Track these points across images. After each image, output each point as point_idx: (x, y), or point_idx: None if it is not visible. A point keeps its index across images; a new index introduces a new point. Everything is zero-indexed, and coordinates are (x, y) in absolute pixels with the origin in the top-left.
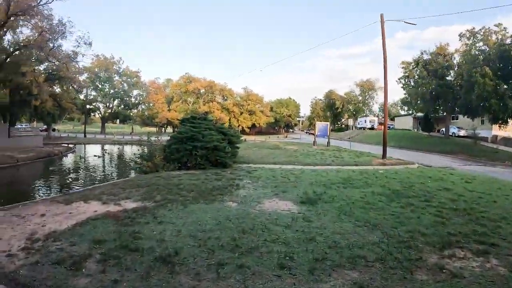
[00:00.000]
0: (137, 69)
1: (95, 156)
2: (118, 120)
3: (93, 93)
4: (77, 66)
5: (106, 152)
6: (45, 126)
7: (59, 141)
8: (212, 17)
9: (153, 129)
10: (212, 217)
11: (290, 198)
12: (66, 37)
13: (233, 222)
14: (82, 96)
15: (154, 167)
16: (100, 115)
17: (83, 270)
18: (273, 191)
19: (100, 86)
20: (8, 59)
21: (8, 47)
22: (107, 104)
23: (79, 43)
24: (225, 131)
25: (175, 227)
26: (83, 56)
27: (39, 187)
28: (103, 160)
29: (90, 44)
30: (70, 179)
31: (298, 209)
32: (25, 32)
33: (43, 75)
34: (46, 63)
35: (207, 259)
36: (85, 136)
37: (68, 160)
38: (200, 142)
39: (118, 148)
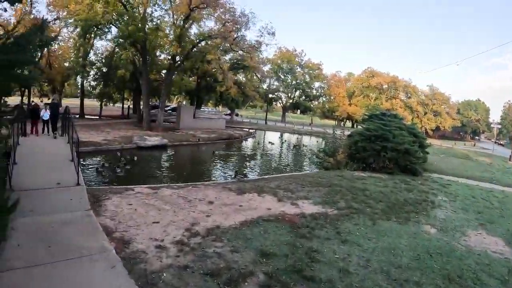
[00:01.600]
0: (319, 61)
1: (271, 143)
2: (298, 111)
3: (276, 83)
4: (260, 56)
5: (284, 140)
6: (229, 111)
7: (240, 125)
8: (397, 10)
9: (332, 122)
10: (408, 245)
11: (499, 233)
12: (249, 27)
13: (435, 260)
14: (265, 86)
15: (336, 164)
16: (281, 104)
17: None
18: (477, 219)
19: (282, 76)
20: (194, 49)
21: (194, 39)
22: (289, 94)
23: (262, 33)
24: (416, 133)
25: (362, 253)
26: (266, 46)
27: (215, 169)
28: (281, 148)
29: (273, 34)
30: (246, 164)
31: None
32: (208, 24)
33: (228, 64)
34: (231, 54)
35: None
36: (266, 123)
37: (247, 144)
38: (390, 143)
39: (297, 138)
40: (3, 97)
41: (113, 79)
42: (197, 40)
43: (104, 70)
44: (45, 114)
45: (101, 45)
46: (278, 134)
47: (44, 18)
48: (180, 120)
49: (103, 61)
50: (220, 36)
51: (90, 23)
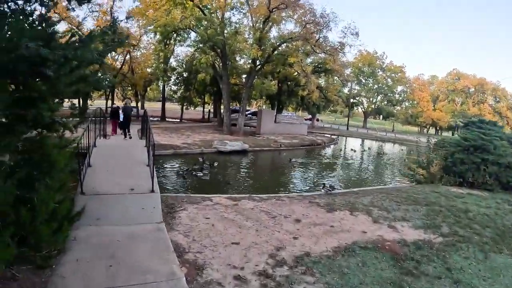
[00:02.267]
0: (402, 64)
1: (353, 150)
2: (380, 116)
3: (357, 87)
4: (342, 59)
5: (368, 148)
6: (310, 116)
7: (322, 131)
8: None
9: (414, 129)
10: None
11: None
12: (331, 28)
13: None
14: (346, 90)
15: (430, 177)
16: (362, 109)
17: None
18: None
19: (363, 80)
20: (275, 52)
21: (274, 41)
22: (371, 99)
23: (345, 33)
24: None
25: None
26: (350, 47)
27: (299, 178)
28: (365, 156)
29: (357, 34)
30: (332, 174)
31: None
32: (288, 27)
33: (309, 67)
34: (312, 56)
35: None
36: (347, 129)
37: (330, 152)
38: (491, 155)
39: (380, 145)
40: (71, 99)
41: (193, 83)
42: (278, 43)
43: (184, 75)
44: (120, 117)
45: (181, 51)
46: (360, 140)
47: (115, 17)
48: (260, 125)
49: (184, 66)
50: (301, 38)
51: (168, 29)
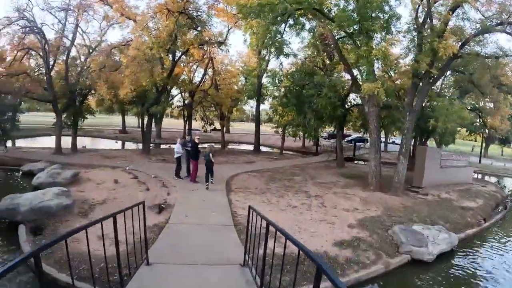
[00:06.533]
0: None
1: None
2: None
3: None
4: None
5: None
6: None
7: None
8: None
9: None
10: None
11: None
12: None
13: None
14: None
15: None
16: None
17: None
18: None
19: None
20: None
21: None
22: None
23: None
24: None
25: None
26: None
27: None
28: None
29: None
30: None
31: None
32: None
33: None
34: None
35: None
36: (480, 161)
37: None
38: None
39: None
40: None
41: (309, 103)
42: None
43: (293, 89)
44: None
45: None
46: None
47: None
48: (423, 172)
49: (293, 77)
50: None
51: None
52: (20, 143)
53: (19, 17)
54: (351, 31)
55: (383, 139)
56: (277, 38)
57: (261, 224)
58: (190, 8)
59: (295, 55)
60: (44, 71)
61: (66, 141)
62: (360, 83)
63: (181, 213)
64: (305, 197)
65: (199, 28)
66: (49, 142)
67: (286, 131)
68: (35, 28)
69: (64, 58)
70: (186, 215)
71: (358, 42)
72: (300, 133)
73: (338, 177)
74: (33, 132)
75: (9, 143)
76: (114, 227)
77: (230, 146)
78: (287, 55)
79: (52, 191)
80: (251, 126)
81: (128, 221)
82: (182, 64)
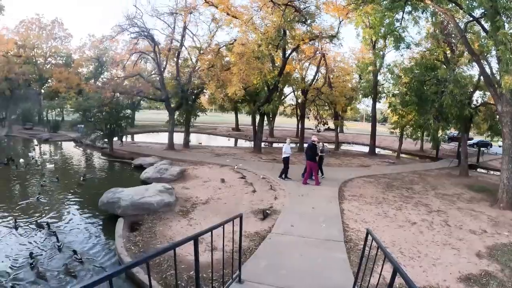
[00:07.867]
0: None
1: None
2: None
3: None
4: None
5: None
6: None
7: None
8: None
9: None
10: None
11: None
12: None
13: None
14: None
15: None
16: None
17: None
18: None
19: None
20: None
21: None
22: None
23: None
24: None
25: None
26: None
27: None
28: None
29: None
30: None
31: None
32: None
33: None
34: None
35: None
36: None
37: None
38: None
39: None
40: None
41: (435, 100)
42: None
43: (414, 85)
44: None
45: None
46: None
47: None
48: None
49: (413, 72)
50: None
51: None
52: (138, 138)
53: (130, 24)
54: (478, 16)
55: None
56: (395, 26)
57: (377, 249)
58: (296, 0)
59: (417, 44)
60: (157, 73)
61: (179, 138)
62: (497, 76)
63: (286, 221)
64: (426, 212)
65: (308, 21)
66: (165, 138)
67: (404, 133)
68: (144, 32)
69: (175, 59)
70: (292, 225)
71: (489, 28)
72: (418, 134)
73: (463, 188)
74: (156, 128)
75: (128, 138)
76: (211, 241)
77: (343, 147)
78: (408, 46)
79: (156, 187)
80: (365, 126)
81: (227, 227)
82: (293, 62)
